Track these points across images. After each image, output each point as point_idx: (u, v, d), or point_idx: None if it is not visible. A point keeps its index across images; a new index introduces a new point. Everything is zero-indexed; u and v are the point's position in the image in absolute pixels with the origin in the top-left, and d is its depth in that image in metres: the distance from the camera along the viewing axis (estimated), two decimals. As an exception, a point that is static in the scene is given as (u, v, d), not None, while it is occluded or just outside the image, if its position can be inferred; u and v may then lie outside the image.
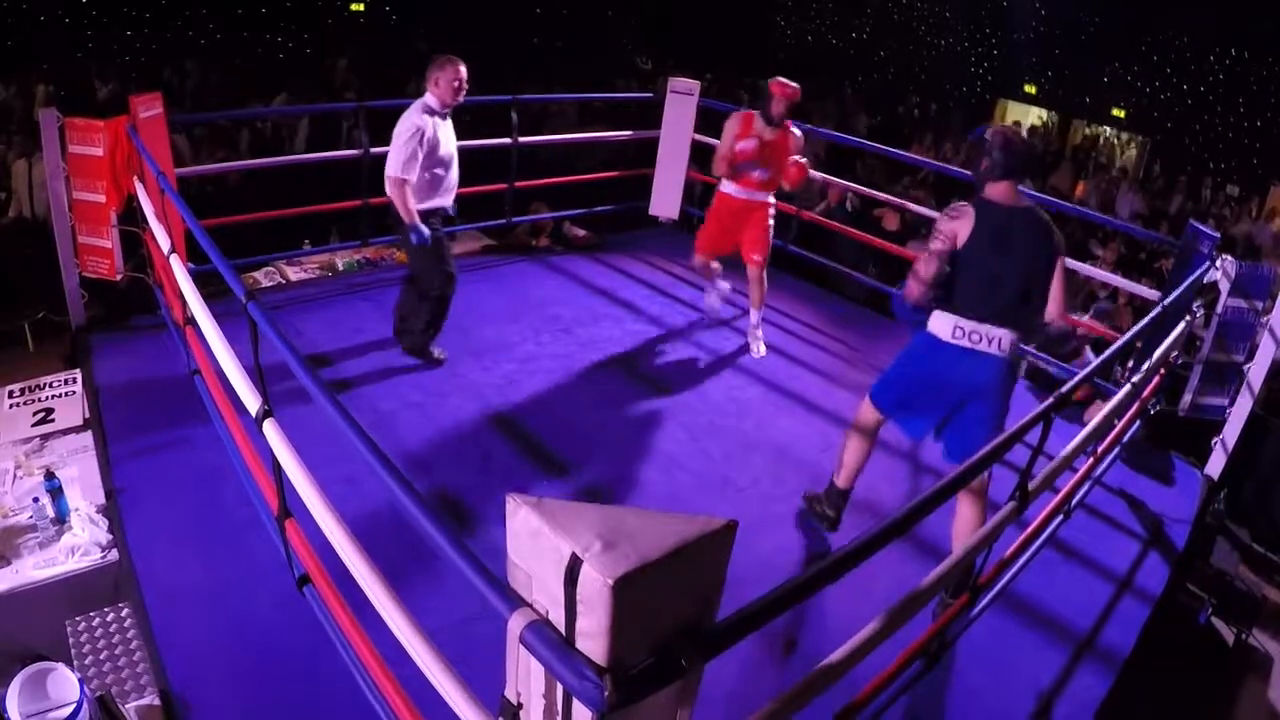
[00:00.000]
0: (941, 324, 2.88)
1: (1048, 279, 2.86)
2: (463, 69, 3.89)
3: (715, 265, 4.93)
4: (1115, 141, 13.58)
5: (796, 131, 4.50)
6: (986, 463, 2.05)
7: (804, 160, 4.47)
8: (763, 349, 4.83)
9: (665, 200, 6.16)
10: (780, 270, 6.11)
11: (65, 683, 2.22)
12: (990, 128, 2.92)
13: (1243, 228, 9.52)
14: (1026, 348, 4.56)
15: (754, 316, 4.84)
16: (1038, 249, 2.81)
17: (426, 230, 3.90)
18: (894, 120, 13.55)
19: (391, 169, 3.83)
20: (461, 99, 3.96)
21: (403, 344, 4.29)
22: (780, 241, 5.84)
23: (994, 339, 2.81)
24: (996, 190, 2.84)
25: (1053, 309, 2.91)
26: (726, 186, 4.59)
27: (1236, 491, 4.50)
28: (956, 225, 2.79)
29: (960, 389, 2.90)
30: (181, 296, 3.15)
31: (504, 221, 5.63)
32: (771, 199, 4.66)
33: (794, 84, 4.37)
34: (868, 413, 3.21)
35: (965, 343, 2.84)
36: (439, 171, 3.96)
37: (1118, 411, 3.19)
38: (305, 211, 5.11)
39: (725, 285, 5.01)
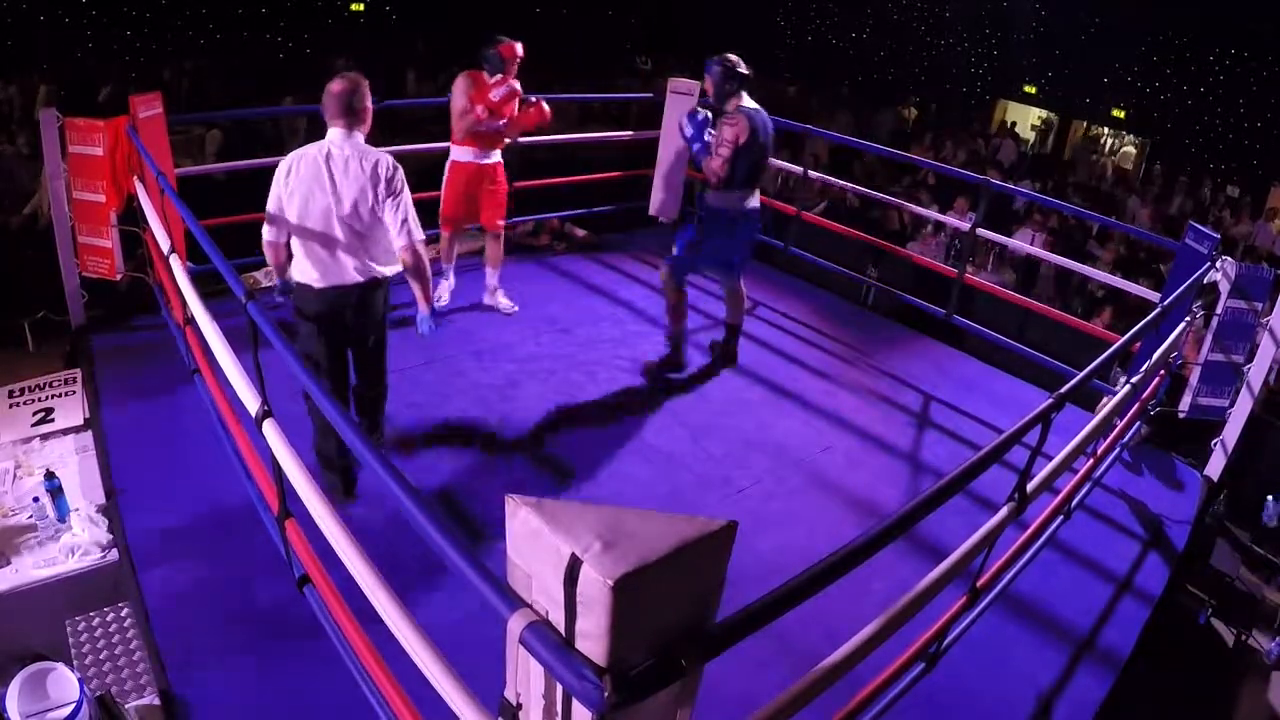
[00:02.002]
0: (723, 199, 4.09)
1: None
2: None
3: (458, 247, 4.94)
4: (1113, 141, 13.58)
5: (516, 84, 4.53)
6: (985, 463, 2.05)
7: (533, 101, 4.61)
8: (508, 302, 4.95)
9: (665, 200, 6.16)
10: (780, 270, 6.12)
11: (65, 682, 2.22)
12: (718, 58, 3.97)
13: (1242, 228, 9.52)
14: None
15: (492, 278, 4.93)
16: (769, 131, 4.11)
17: None
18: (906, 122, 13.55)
19: (416, 230, 3.01)
20: None
21: (350, 492, 3.23)
22: (780, 243, 5.85)
23: (757, 196, 4.22)
24: (740, 100, 4.00)
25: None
26: (460, 154, 4.57)
27: (1237, 493, 4.50)
28: (738, 130, 3.92)
29: (742, 237, 4.24)
30: (181, 296, 3.15)
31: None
32: (500, 157, 4.70)
33: (518, 42, 4.49)
34: (673, 288, 4.31)
35: (743, 206, 4.13)
36: None
37: (1117, 412, 3.19)
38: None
39: (453, 281, 4.97)
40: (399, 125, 8.58)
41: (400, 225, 2.98)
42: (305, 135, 8.15)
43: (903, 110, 14.33)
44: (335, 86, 2.92)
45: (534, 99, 4.61)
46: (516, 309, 4.96)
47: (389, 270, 3.08)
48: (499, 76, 4.43)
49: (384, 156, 2.95)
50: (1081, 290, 6.83)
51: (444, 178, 4.66)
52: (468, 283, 5.21)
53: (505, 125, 4.57)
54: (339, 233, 2.92)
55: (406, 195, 2.98)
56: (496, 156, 4.68)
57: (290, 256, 3.05)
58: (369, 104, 2.96)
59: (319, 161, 2.90)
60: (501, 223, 4.81)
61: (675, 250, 4.26)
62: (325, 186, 2.89)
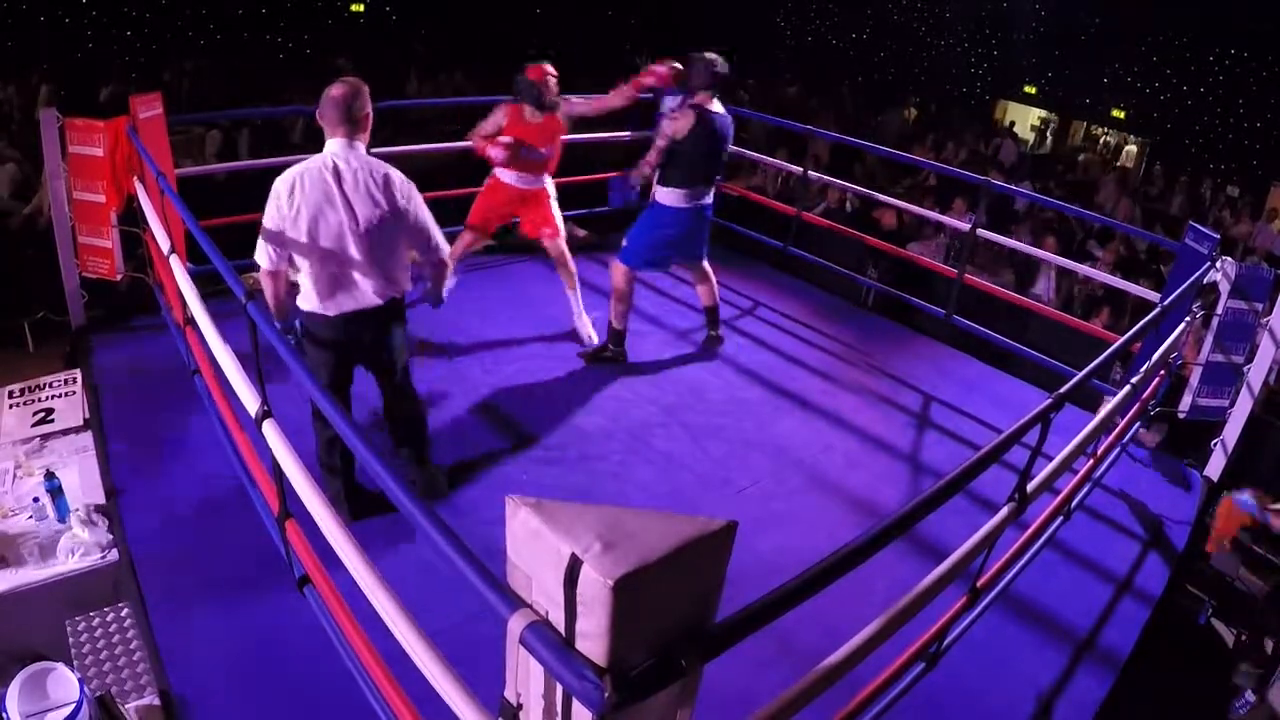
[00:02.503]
0: (676, 198, 4.18)
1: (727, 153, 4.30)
2: None
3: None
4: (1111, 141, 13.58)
5: (504, 148, 4.35)
6: (985, 464, 2.05)
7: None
8: (591, 332, 4.65)
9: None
10: (780, 270, 6.12)
11: (65, 682, 2.22)
12: (702, 54, 4.02)
13: (1242, 228, 9.52)
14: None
15: (575, 302, 4.64)
16: (727, 136, 4.17)
17: None
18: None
19: (443, 244, 2.94)
20: None
21: (356, 510, 3.06)
22: (780, 243, 5.86)
23: (709, 195, 4.29)
24: (704, 99, 4.05)
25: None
26: (505, 175, 4.47)
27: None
28: (678, 125, 4.00)
29: (697, 232, 4.35)
30: (181, 297, 3.15)
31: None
32: (549, 183, 4.57)
33: (552, 68, 4.35)
34: (627, 279, 4.35)
35: (697, 204, 4.22)
36: None
37: (1117, 412, 3.19)
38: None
39: (453, 282, 4.63)
40: (402, 125, 8.59)
41: (430, 246, 2.87)
42: (303, 134, 8.16)
43: (903, 110, 14.35)
44: (335, 92, 2.69)
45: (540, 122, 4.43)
46: (596, 341, 4.62)
47: (408, 287, 2.94)
48: (523, 122, 4.32)
49: (393, 170, 2.77)
50: (1074, 291, 6.82)
51: (483, 187, 4.58)
52: (470, 283, 5.22)
53: (544, 159, 4.46)
54: (355, 253, 2.72)
55: (425, 210, 2.84)
56: (542, 183, 4.53)
57: (290, 287, 2.84)
58: (369, 110, 2.77)
59: (326, 177, 2.67)
60: (550, 231, 4.54)
61: (626, 243, 4.34)
62: (337, 204, 2.68)
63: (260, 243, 2.76)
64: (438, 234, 2.90)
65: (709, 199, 4.28)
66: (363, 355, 2.93)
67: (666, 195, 4.19)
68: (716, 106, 4.09)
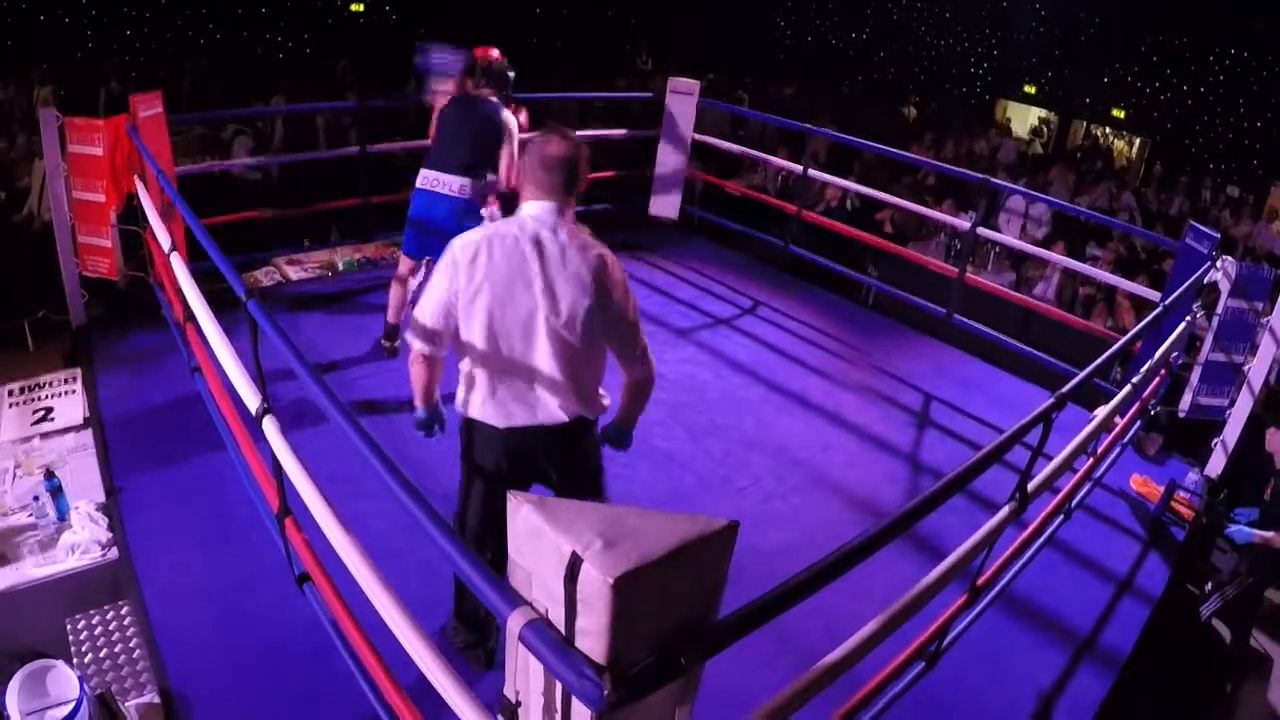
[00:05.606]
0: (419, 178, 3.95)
1: (495, 150, 3.88)
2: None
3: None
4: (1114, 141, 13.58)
5: None
6: (986, 463, 2.05)
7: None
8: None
9: (665, 200, 6.16)
10: (780, 270, 6.12)
11: (65, 680, 2.22)
12: (480, 51, 4.03)
13: (1243, 228, 9.51)
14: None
15: None
16: (483, 127, 3.88)
17: None
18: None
19: (651, 355, 2.35)
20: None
21: (493, 661, 2.56)
22: (780, 241, 5.85)
23: (449, 184, 3.88)
24: (477, 89, 3.98)
25: (502, 174, 3.93)
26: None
27: (1237, 492, 4.49)
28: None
29: (439, 221, 3.86)
30: (182, 295, 3.15)
31: (504, 221, 5.61)
32: None
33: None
34: (405, 264, 4.10)
35: (430, 187, 3.91)
36: None
37: (1117, 411, 3.19)
38: (305, 211, 5.12)
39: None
40: (401, 124, 8.59)
41: (636, 355, 2.27)
42: (285, 133, 8.13)
43: (903, 109, 14.35)
44: (556, 149, 2.15)
45: None
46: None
47: (604, 403, 2.35)
48: None
49: (606, 250, 2.20)
50: (1075, 291, 6.80)
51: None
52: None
53: None
54: (545, 351, 2.15)
55: (636, 308, 2.26)
56: None
57: (435, 374, 2.32)
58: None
59: (523, 248, 2.11)
60: None
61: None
62: (534, 284, 2.11)
63: (419, 317, 2.22)
64: (645, 342, 2.29)
65: (450, 188, 3.88)
66: (536, 481, 2.39)
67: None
68: (483, 94, 3.98)
